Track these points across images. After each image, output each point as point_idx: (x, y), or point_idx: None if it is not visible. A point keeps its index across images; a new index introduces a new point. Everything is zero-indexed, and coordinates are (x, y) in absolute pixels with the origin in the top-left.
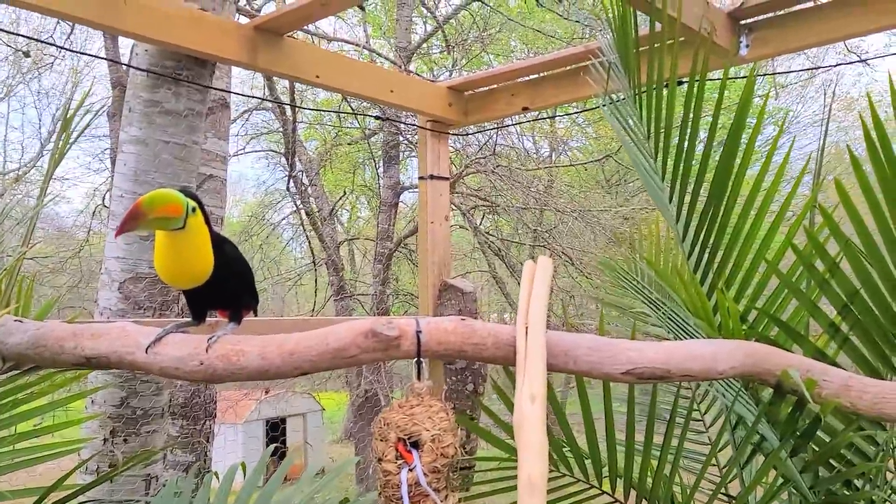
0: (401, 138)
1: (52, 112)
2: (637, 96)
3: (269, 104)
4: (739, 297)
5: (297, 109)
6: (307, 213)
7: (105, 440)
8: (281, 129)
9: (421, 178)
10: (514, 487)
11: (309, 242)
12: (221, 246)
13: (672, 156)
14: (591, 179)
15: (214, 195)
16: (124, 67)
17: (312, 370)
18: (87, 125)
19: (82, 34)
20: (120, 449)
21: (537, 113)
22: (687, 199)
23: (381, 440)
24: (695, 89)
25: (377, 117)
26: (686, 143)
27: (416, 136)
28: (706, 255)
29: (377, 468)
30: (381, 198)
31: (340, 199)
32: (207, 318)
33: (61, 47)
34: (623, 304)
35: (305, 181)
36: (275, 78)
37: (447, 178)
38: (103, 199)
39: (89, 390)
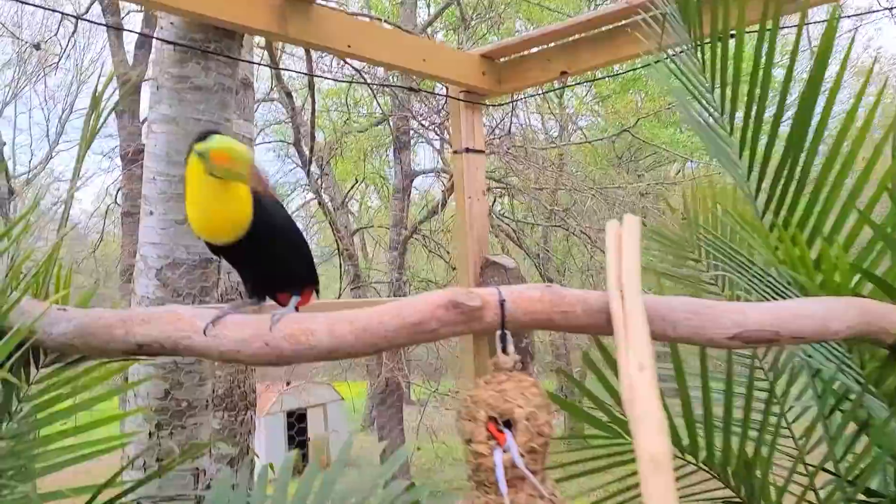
0: (412, 123)
1: (59, 114)
2: (699, 47)
3: (276, 96)
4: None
5: (314, 93)
6: (320, 203)
7: (150, 434)
8: (289, 120)
9: (455, 151)
10: (615, 465)
11: (333, 230)
12: (269, 205)
13: (741, 108)
14: (602, 157)
15: None
16: (131, 51)
17: (388, 347)
18: (115, 105)
19: (85, 34)
20: (167, 443)
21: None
22: (760, 152)
23: (469, 420)
24: (766, 34)
25: (409, 88)
26: (758, 92)
27: (429, 118)
28: (783, 212)
29: (466, 451)
30: (394, 184)
31: (353, 187)
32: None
33: (81, 17)
34: (681, 274)
35: (316, 170)
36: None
37: (483, 152)
38: (115, 198)
39: (134, 382)
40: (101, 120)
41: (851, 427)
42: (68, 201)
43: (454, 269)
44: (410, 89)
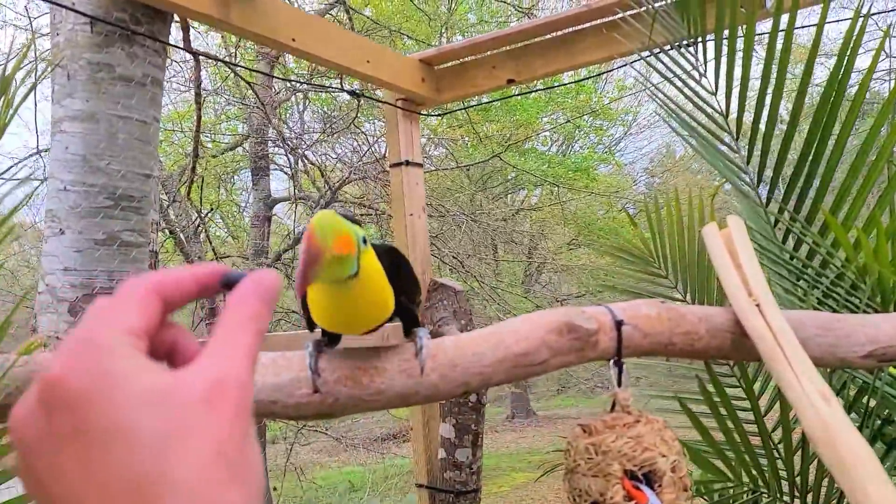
0: (269, 145)
1: None
2: (702, 44)
3: None
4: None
5: (200, 105)
6: (171, 232)
7: None
8: None
9: (393, 165)
10: None
11: (186, 261)
12: (395, 268)
13: (750, 110)
14: (457, 185)
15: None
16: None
17: (481, 386)
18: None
19: None
20: None
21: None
22: (772, 158)
23: (595, 476)
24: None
25: (352, 92)
26: (770, 92)
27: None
28: (799, 221)
29: None
30: (252, 212)
31: (206, 214)
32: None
33: None
34: (648, 291)
35: (165, 198)
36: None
37: (421, 165)
38: None
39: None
40: (12, 110)
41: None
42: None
43: None
44: (353, 94)
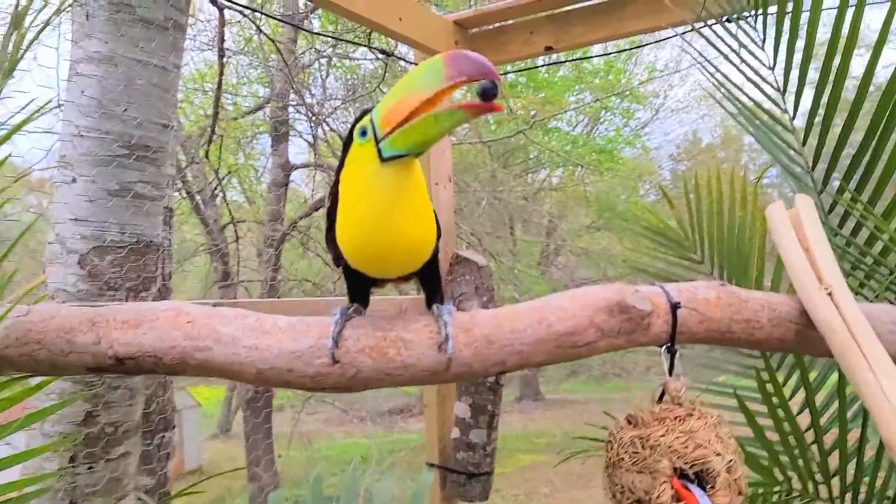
0: (290, 110)
1: None
2: (762, 17)
3: None
4: None
5: (223, 60)
6: (188, 193)
7: (62, 472)
8: None
9: None
10: None
11: (203, 224)
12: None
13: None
14: (477, 161)
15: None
16: None
17: (518, 366)
18: (46, 24)
19: None
20: (85, 481)
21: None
22: (832, 138)
23: (640, 472)
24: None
25: (382, 51)
26: (834, 68)
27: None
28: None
29: None
30: (270, 177)
31: (226, 177)
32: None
33: None
34: (679, 276)
35: (184, 158)
36: None
37: (449, 133)
38: None
39: (54, 406)
40: (24, 47)
41: None
42: None
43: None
44: (384, 52)
